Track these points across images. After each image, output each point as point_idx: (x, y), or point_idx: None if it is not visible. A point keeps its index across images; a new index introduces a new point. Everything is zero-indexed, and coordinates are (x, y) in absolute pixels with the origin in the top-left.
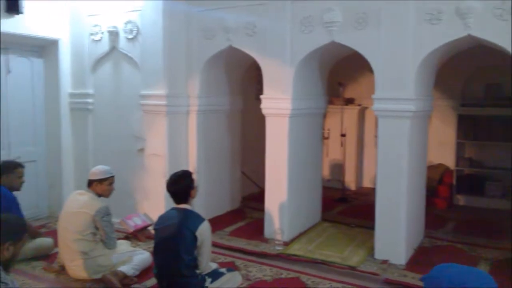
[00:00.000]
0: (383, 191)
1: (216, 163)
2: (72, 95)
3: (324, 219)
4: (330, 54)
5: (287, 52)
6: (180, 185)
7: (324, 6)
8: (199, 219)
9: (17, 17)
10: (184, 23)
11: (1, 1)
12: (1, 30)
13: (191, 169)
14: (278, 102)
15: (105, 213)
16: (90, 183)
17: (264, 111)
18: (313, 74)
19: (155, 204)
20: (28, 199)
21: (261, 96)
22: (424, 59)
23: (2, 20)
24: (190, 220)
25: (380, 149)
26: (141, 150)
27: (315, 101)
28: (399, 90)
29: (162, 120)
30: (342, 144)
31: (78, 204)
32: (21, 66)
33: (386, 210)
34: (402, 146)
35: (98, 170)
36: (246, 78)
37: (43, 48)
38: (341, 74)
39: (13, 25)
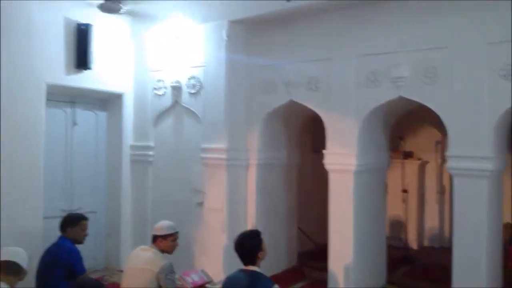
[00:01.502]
0: (461, 253)
1: (273, 218)
2: (133, 147)
3: (389, 281)
4: (395, 108)
5: (351, 107)
6: (248, 246)
7: (391, 61)
8: (268, 283)
9: (85, 72)
10: (245, 76)
11: (72, 57)
12: (70, 84)
13: (249, 224)
14: (342, 158)
15: (169, 271)
16: (154, 238)
17: (327, 167)
18: (377, 128)
19: (213, 259)
20: (85, 250)
21: (324, 151)
22: (501, 115)
23: (72, 76)
24: (260, 283)
25: (457, 209)
26: (200, 203)
27: (379, 156)
28: (476, 148)
29: (222, 173)
30: (404, 200)
31: (141, 260)
32: (87, 119)
33: (465, 275)
34: (480, 206)
35: (163, 225)
36: (302, 130)
37: (108, 102)
38: (399, 127)
39: (81, 79)
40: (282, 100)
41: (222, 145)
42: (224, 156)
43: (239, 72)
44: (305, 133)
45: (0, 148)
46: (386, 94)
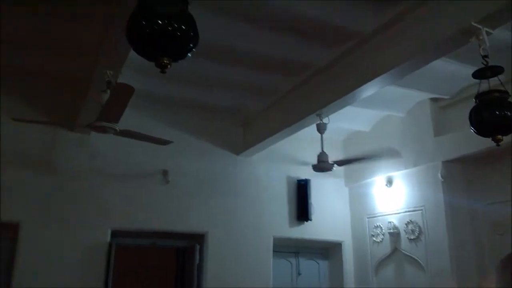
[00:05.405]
0: None
1: None
2: None
3: None
4: None
5: None
6: None
7: None
8: None
9: (306, 223)
10: (469, 218)
11: (294, 211)
12: (293, 236)
13: None
14: None
15: None
16: None
17: None
18: None
19: None
20: None
21: None
22: None
23: (294, 228)
24: None
25: None
26: None
27: None
28: None
29: None
30: None
31: None
32: (309, 268)
33: None
34: None
35: None
36: None
37: (328, 250)
38: None
39: (302, 231)
40: None
41: None
42: None
43: (461, 213)
44: None
45: None
46: None
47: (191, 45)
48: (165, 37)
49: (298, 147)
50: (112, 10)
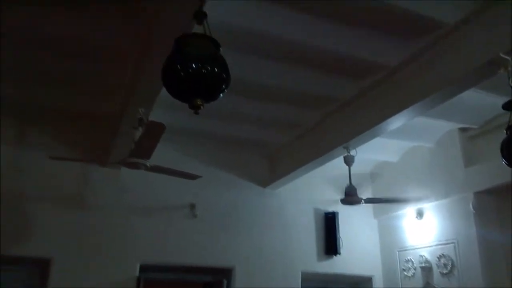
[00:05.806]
0: None
1: None
2: None
3: None
4: None
5: None
6: None
7: None
8: None
9: (335, 257)
10: (503, 251)
11: (321, 244)
12: (322, 271)
13: None
14: None
15: None
16: None
17: None
18: None
19: None
20: None
21: None
22: None
23: (322, 262)
24: None
25: None
26: None
27: None
28: None
29: None
30: None
31: None
32: None
33: None
34: None
35: None
36: None
37: (358, 285)
38: None
39: (331, 265)
40: None
41: None
42: None
43: (495, 246)
44: None
45: None
46: None
47: (223, 86)
48: (199, 80)
49: (325, 179)
50: (145, 51)
